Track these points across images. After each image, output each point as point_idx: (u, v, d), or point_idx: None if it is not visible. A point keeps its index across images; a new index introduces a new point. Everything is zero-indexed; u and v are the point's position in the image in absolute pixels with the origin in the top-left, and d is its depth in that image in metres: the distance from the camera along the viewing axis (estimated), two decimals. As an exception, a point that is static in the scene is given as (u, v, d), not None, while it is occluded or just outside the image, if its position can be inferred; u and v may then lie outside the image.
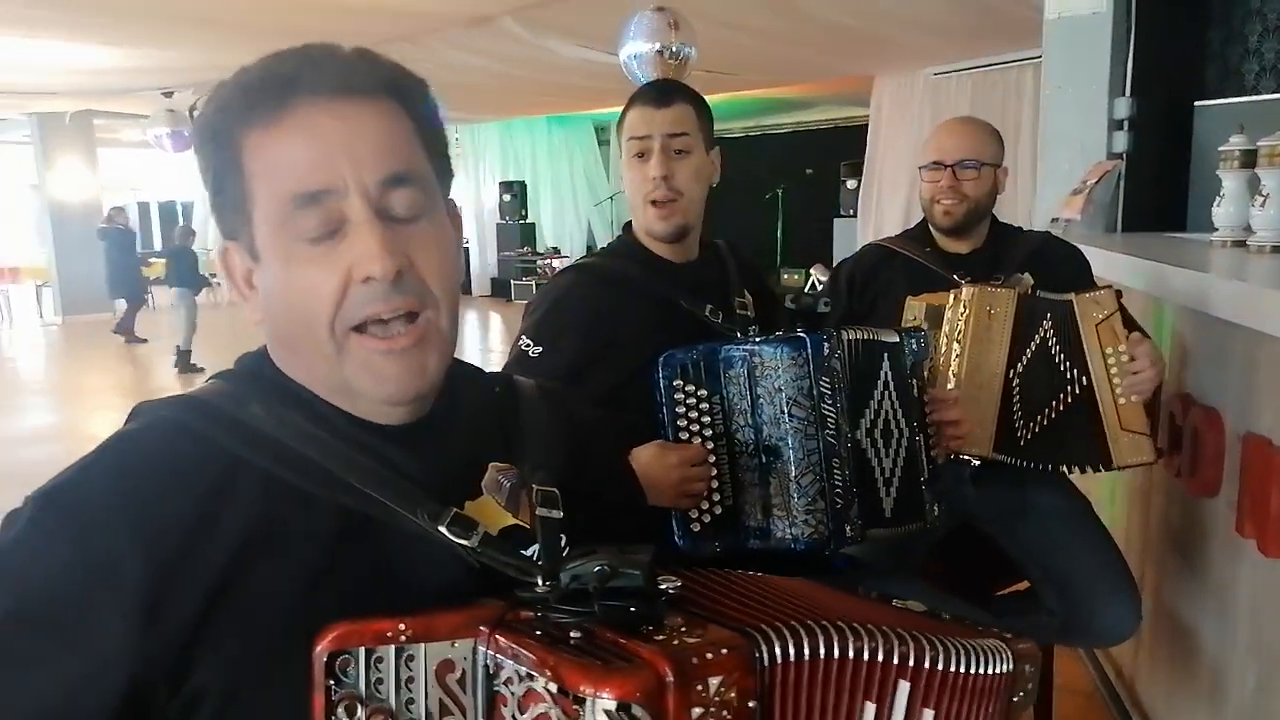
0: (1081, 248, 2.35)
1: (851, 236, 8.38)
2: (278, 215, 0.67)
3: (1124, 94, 3.06)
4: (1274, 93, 3.14)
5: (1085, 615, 1.71)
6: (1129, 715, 2.13)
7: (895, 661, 0.63)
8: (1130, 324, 1.70)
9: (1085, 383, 1.66)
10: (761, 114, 10.92)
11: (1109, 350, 1.65)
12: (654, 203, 1.41)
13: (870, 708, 0.62)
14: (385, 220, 0.68)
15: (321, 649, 0.57)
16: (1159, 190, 3.10)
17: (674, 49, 5.12)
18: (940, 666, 0.65)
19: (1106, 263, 2.28)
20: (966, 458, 1.74)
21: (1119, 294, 1.69)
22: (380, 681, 0.57)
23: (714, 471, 1.31)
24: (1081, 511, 1.81)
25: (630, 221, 1.52)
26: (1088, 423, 1.67)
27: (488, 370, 0.88)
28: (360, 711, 0.57)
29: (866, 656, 0.62)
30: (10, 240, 15.53)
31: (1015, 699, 0.72)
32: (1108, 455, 1.67)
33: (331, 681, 0.57)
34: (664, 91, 1.45)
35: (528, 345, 1.39)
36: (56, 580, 0.62)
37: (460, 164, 12.75)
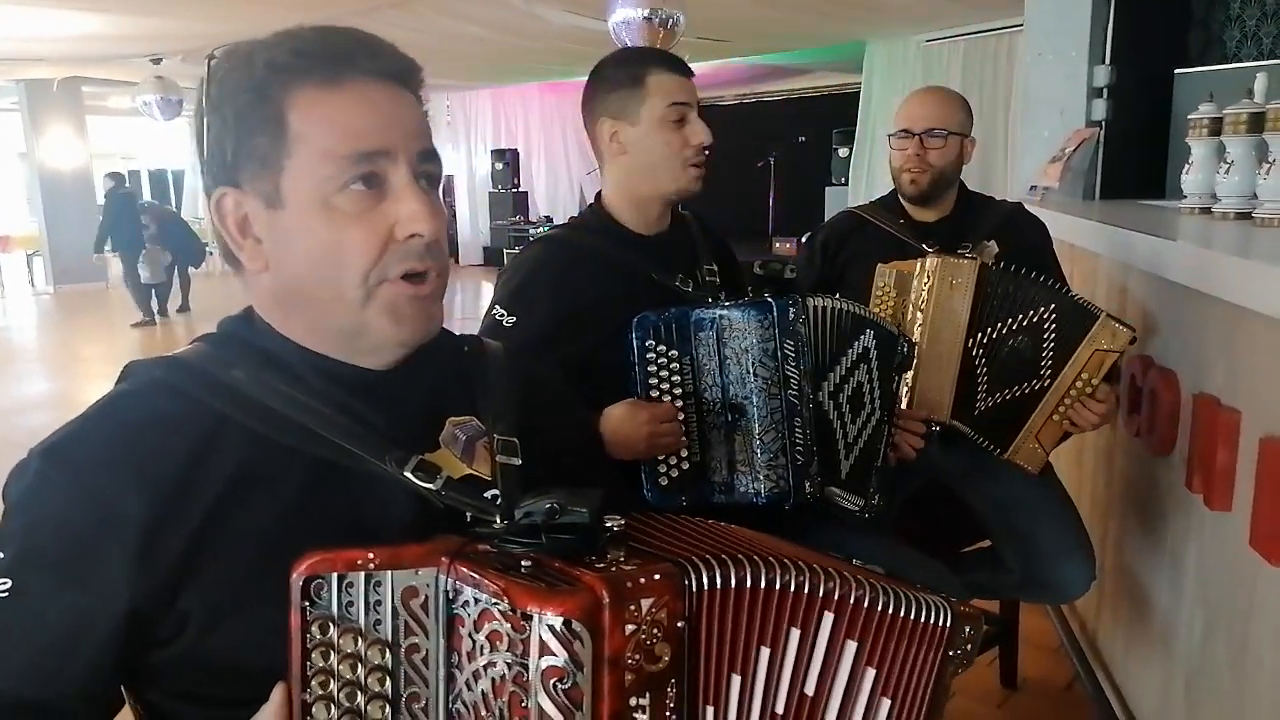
0: (1057, 215, 2.40)
1: (843, 205, 8.32)
2: (328, 167, 0.73)
3: (1104, 62, 3.09)
4: (1254, 60, 3.17)
5: (1041, 573, 1.78)
6: (1091, 668, 2.21)
7: (820, 595, 0.70)
8: (1114, 375, 1.70)
9: (1047, 385, 1.69)
10: (754, 81, 10.86)
11: (1085, 375, 1.66)
12: (695, 165, 1.47)
13: (795, 633, 0.69)
14: (421, 187, 0.76)
15: (298, 574, 0.64)
16: (1138, 158, 3.14)
17: (663, 15, 5.12)
18: (866, 604, 0.72)
19: (1076, 230, 2.34)
20: (929, 420, 1.81)
21: (1133, 341, 1.70)
22: (351, 604, 0.64)
23: (683, 428, 1.38)
24: (1042, 473, 1.87)
25: (600, 193, 1.57)
26: (1020, 412, 1.71)
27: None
28: (333, 630, 0.63)
29: (793, 588, 0.68)
30: (0, 209, 15.46)
31: (952, 654, 0.78)
32: (1007, 444, 1.72)
33: (306, 603, 0.63)
34: (684, 63, 1.50)
35: (502, 315, 1.44)
36: (65, 524, 0.69)
37: (451, 132, 12.68)
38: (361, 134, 0.74)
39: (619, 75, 1.48)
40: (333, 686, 0.64)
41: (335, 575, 0.64)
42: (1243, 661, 1.42)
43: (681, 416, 1.38)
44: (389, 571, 0.64)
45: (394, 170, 0.75)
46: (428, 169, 0.78)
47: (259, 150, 0.74)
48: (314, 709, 0.64)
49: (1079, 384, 1.67)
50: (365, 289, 0.75)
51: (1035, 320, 1.69)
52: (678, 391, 1.38)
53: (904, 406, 1.61)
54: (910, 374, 1.61)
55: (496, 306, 1.46)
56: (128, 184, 9.40)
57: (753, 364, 1.34)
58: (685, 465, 1.38)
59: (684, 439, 1.38)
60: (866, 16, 6.90)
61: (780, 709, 0.69)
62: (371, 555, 0.64)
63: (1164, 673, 1.78)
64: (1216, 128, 2.10)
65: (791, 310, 1.34)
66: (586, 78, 1.54)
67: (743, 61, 9.31)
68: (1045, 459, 1.73)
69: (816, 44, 8.42)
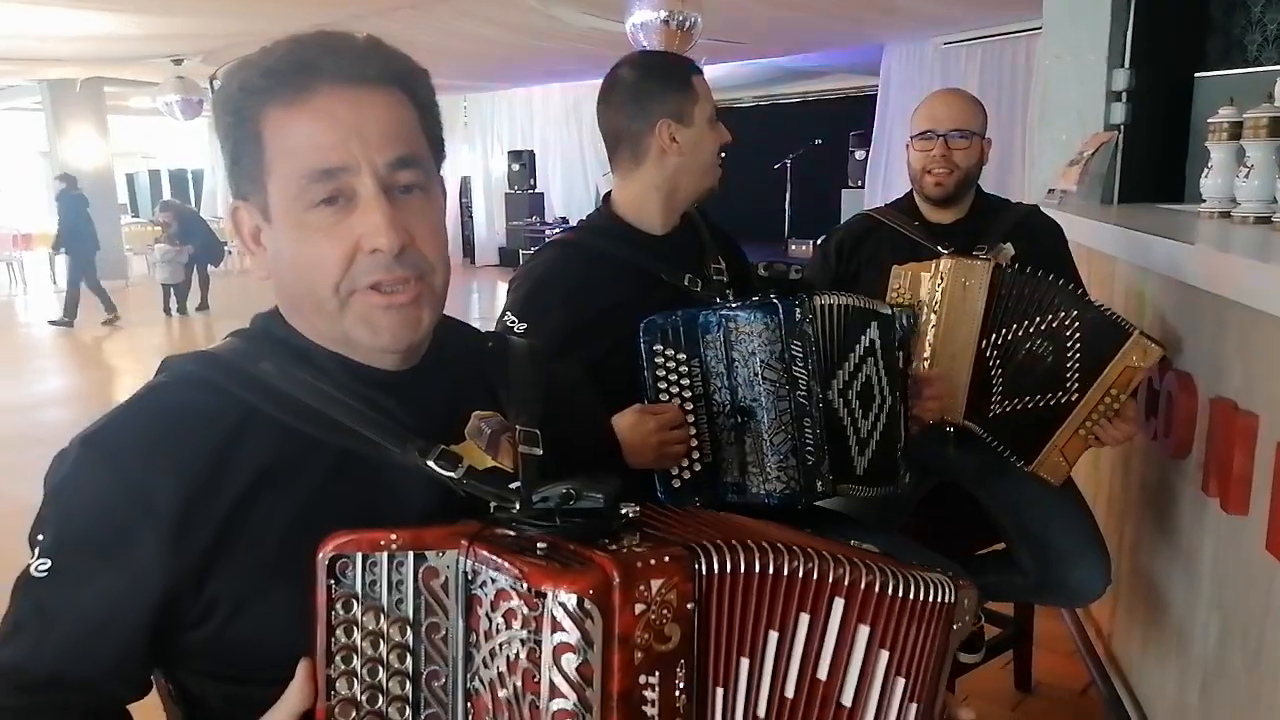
0: (1075, 219, 2.40)
1: (859, 208, 8.29)
2: (294, 187, 0.75)
3: (1123, 65, 3.08)
4: (1275, 64, 3.15)
5: (1056, 575, 1.78)
6: (1105, 672, 2.20)
7: (830, 580, 0.71)
8: (1136, 389, 1.68)
9: (1075, 399, 1.66)
10: (770, 83, 10.86)
11: (1114, 391, 1.63)
12: (719, 164, 1.56)
13: (805, 618, 0.70)
14: (390, 197, 0.76)
15: (324, 554, 0.66)
16: (1157, 162, 3.12)
17: (680, 18, 5.14)
18: (877, 589, 0.73)
19: (1094, 233, 2.33)
20: (944, 422, 1.80)
21: (1164, 360, 1.68)
22: (374, 583, 0.66)
23: (693, 432, 1.38)
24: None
25: (609, 193, 1.58)
26: (1046, 424, 1.69)
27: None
28: (356, 608, 0.65)
29: (801, 574, 0.70)
30: (23, 207, 15.65)
31: (956, 626, 0.80)
32: (1033, 457, 1.70)
33: (331, 581, 0.65)
34: None
35: (514, 322, 1.44)
36: (101, 509, 0.72)
37: (467, 134, 12.74)
38: (320, 151, 0.74)
39: (671, 79, 1.49)
40: (355, 662, 0.66)
41: (360, 555, 0.66)
42: (1259, 665, 1.42)
43: (692, 419, 1.38)
44: (410, 553, 0.66)
45: (359, 183, 0.75)
46: (401, 177, 0.77)
47: (247, 169, 0.78)
48: (337, 684, 0.66)
49: (1107, 399, 1.64)
50: (338, 299, 0.77)
51: (1055, 326, 1.67)
52: (687, 395, 1.38)
53: (921, 369, 1.60)
54: (923, 345, 1.61)
55: (508, 313, 1.47)
56: (79, 186, 9.47)
57: (761, 366, 1.34)
58: (697, 467, 1.39)
59: (694, 442, 1.38)
60: (884, 19, 6.91)
61: (790, 693, 0.70)
62: (394, 536, 0.66)
63: (1180, 676, 1.77)
64: (1236, 132, 2.09)
65: (798, 311, 1.34)
66: (617, 82, 1.52)
67: (759, 63, 9.32)
68: (1068, 472, 1.72)
69: (833, 46, 8.43)
